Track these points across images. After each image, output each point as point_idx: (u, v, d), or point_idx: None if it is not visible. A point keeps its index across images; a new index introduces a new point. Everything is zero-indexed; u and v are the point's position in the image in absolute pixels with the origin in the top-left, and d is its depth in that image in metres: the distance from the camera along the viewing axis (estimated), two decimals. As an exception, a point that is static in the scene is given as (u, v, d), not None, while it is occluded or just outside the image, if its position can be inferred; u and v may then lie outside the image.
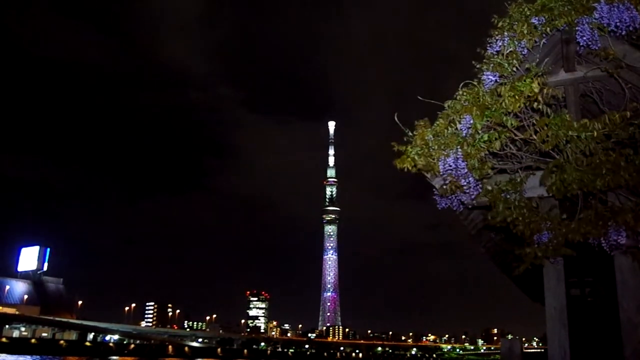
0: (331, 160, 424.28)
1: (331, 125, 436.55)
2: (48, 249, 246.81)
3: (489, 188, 5.53)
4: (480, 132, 5.20)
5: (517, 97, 5.01)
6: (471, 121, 5.09)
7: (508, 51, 5.26)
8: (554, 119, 5.00)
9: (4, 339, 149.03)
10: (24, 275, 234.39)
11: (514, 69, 5.27)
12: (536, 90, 4.98)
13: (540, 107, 5.14)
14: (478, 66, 5.32)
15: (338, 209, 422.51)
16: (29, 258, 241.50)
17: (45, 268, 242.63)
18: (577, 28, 5.11)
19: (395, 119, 5.30)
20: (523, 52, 5.35)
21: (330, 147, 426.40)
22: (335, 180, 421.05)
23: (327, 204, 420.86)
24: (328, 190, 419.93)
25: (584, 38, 5.08)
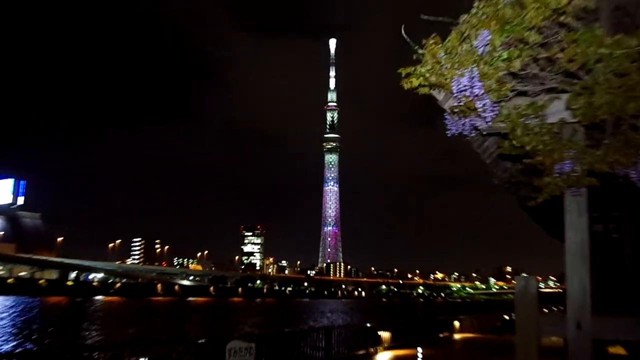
0: (332, 83, 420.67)
1: (332, 43, 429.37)
2: (23, 182, 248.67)
3: (507, 112, 5.47)
4: (498, 49, 5.06)
5: (542, 9, 4.84)
6: (489, 37, 4.93)
7: (534, -45, 5.05)
8: (584, 35, 4.87)
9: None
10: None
11: (541, -25, 5.09)
12: (564, 1, 4.82)
13: (568, 20, 4.99)
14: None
15: (339, 136, 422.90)
16: (2, 191, 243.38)
17: (20, 202, 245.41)
18: None
19: (402, 32, 5.14)
20: (552, -44, 5.14)
21: (331, 68, 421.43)
22: (337, 105, 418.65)
23: (327, 130, 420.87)
24: (329, 115, 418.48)
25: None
